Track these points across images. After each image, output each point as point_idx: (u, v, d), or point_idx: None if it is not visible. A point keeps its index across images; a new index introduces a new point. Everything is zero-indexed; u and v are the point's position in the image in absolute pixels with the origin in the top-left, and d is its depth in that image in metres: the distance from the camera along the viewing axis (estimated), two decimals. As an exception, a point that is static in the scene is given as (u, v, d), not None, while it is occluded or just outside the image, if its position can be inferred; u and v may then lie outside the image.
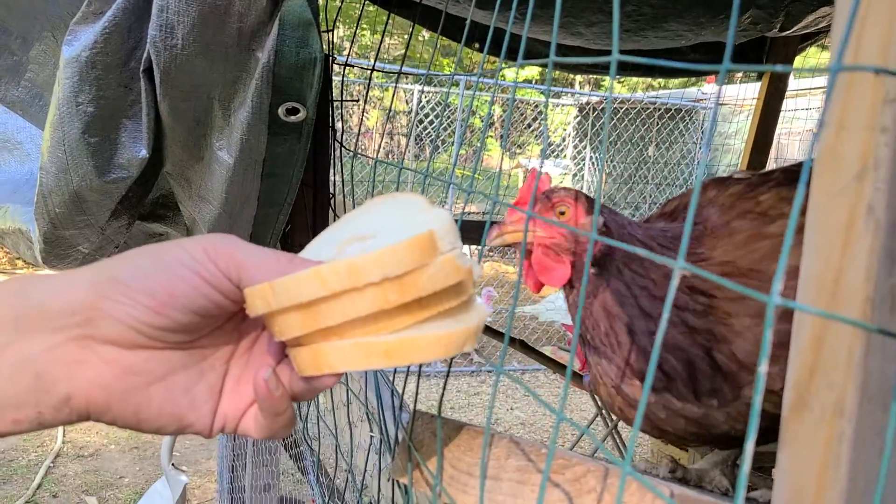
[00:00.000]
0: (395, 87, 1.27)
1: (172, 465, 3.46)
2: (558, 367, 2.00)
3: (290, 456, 3.34)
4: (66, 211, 1.12)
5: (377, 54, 1.15)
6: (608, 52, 2.67)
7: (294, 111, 1.02)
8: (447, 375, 0.63)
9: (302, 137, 1.07)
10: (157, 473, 3.92)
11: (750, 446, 0.39)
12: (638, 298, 0.74)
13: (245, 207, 1.15)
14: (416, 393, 0.72)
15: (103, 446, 4.43)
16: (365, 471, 1.09)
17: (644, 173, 6.65)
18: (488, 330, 2.00)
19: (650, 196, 6.84)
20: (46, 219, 1.15)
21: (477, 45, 2.90)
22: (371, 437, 1.07)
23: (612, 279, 0.76)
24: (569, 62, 0.48)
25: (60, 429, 4.51)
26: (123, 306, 0.49)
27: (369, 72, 1.20)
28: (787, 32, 2.69)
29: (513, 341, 1.97)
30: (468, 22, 0.62)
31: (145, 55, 0.95)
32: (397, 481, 0.91)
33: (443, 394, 0.60)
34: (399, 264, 0.47)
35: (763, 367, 0.38)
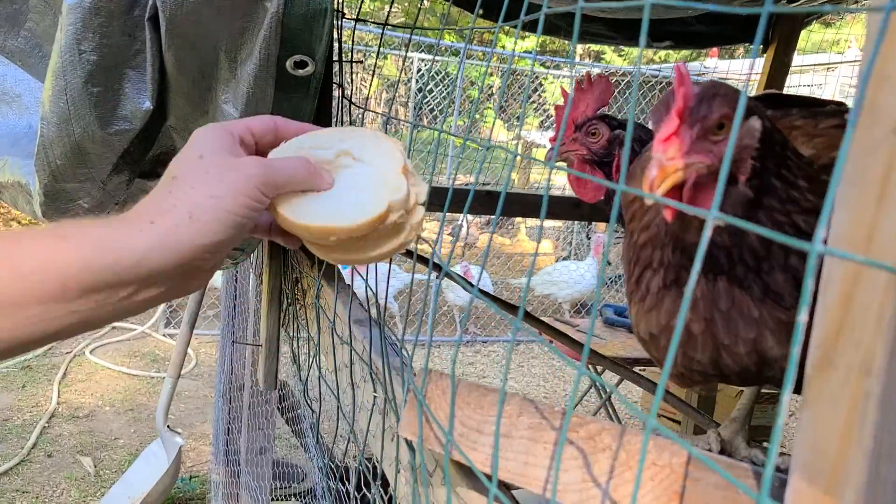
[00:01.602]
0: (406, 54, 1.24)
1: (168, 426, 3.47)
2: (560, 335, 2.00)
3: (286, 420, 3.36)
4: (67, 163, 1.10)
5: (388, 14, 1.12)
6: (621, 21, 2.62)
7: (302, 64, 1.00)
8: (461, 332, 0.62)
9: (309, 92, 1.04)
10: (152, 436, 3.93)
11: (786, 398, 0.38)
12: (792, 215, 0.69)
13: (249, 164, 1.14)
14: (427, 354, 0.71)
15: (98, 408, 4.44)
16: (367, 431, 1.09)
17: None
18: (487, 297, 1.99)
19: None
20: (47, 171, 1.13)
21: (482, 12, 2.86)
22: (375, 397, 1.07)
23: (765, 195, 0.69)
24: (598, 7, 0.46)
25: (55, 389, 4.51)
26: None
27: (382, 27, 1.17)
28: (795, 5, 2.66)
29: (511, 308, 1.97)
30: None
31: (151, 2, 0.93)
32: (404, 440, 0.90)
33: (456, 351, 0.59)
34: (361, 231, 0.67)
35: (803, 317, 0.37)
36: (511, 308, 1.93)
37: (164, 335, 5.73)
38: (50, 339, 0.55)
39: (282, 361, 2.08)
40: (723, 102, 0.63)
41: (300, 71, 1.01)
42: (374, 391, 1.07)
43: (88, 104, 1.01)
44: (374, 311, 1.06)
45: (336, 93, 1.24)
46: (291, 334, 1.73)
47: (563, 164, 1.47)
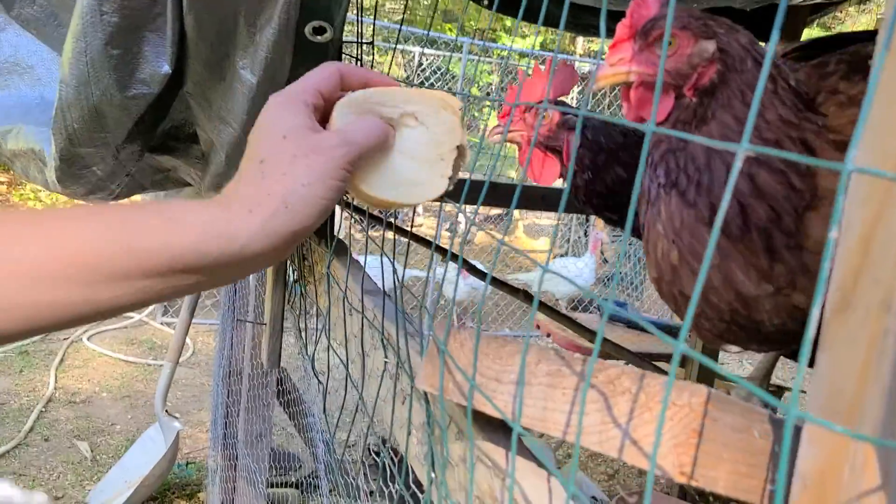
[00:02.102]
0: (395, 47, 1.25)
1: (166, 411, 3.48)
2: (570, 322, 2.02)
3: (282, 404, 3.36)
4: (85, 126, 1.11)
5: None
6: (622, 14, 2.63)
7: (321, 31, 1.01)
8: (487, 282, 0.64)
9: (327, 59, 1.05)
10: (148, 422, 3.94)
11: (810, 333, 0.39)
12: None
13: (264, 132, 1.14)
14: (452, 309, 0.72)
15: (95, 393, 4.44)
16: (377, 396, 1.10)
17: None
18: (496, 282, 2.01)
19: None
20: (64, 134, 1.14)
21: (486, 2, 2.86)
22: (385, 362, 1.08)
23: (720, 110, 0.71)
24: None
25: (52, 374, 4.51)
26: None
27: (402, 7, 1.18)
28: (801, 1, 2.67)
29: (525, 296, 1.98)
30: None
31: (173, -36, 0.94)
32: (418, 399, 0.91)
33: (482, 302, 0.60)
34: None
35: (834, 233, 0.38)
36: (522, 298, 1.94)
37: (161, 323, 5.73)
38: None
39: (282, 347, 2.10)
40: (676, 25, 0.72)
41: (318, 37, 1.02)
42: (385, 357, 1.08)
43: (108, 66, 1.02)
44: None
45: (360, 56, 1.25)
46: (297, 312, 1.74)
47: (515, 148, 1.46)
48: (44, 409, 4.12)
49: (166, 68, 1.04)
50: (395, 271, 1.07)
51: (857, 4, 2.84)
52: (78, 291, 0.56)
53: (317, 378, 1.30)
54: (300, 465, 3.77)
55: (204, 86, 1.12)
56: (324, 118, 0.68)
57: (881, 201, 0.47)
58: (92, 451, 3.81)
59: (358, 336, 1.21)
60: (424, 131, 0.69)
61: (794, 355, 0.89)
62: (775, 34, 0.42)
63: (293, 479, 3.66)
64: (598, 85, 0.76)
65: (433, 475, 0.84)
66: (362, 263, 1.28)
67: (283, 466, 3.63)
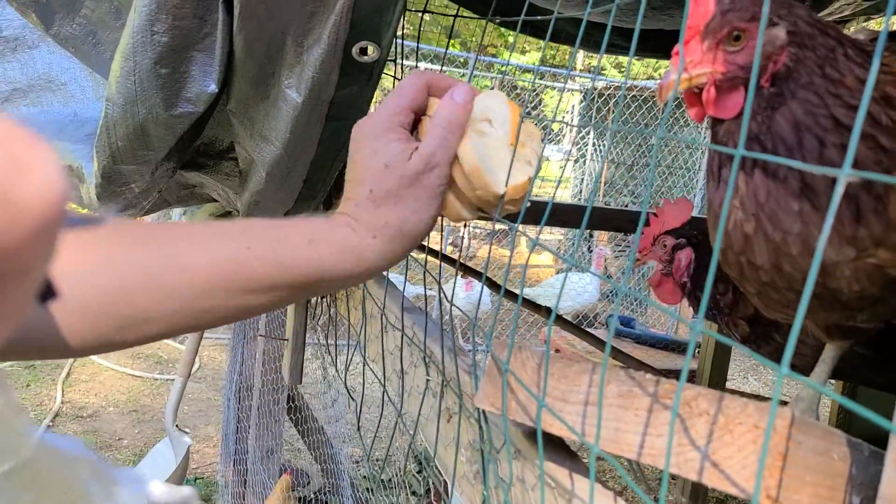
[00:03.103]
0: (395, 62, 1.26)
1: (176, 426, 3.46)
2: (586, 335, 2.02)
3: (292, 420, 3.35)
4: (129, 144, 1.11)
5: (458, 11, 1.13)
6: (631, 31, 2.65)
7: (367, 51, 1.02)
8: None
9: (372, 79, 1.06)
10: (156, 437, 3.92)
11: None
12: (831, 108, 0.68)
13: (306, 150, 1.15)
14: (513, 329, 0.72)
15: (102, 408, 4.42)
16: (419, 415, 1.10)
17: (647, 160, 6.67)
18: (511, 296, 2.00)
19: (653, 183, 6.85)
20: (108, 152, 1.14)
21: (498, 20, 2.88)
22: (427, 380, 1.08)
23: (801, 90, 0.70)
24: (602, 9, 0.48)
25: (59, 389, 4.49)
26: None
27: (453, 17, 1.19)
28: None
29: (539, 308, 1.98)
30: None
31: (226, -15, 0.95)
32: (467, 417, 0.92)
33: (515, 320, 0.61)
34: None
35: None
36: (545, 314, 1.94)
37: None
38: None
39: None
40: (736, 16, 0.69)
41: (364, 57, 1.03)
42: (427, 375, 1.08)
43: (156, 85, 1.03)
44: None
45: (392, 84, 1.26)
46: (321, 328, 1.74)
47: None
48: (51, 424, 4.10)
49: (213, 87, 1.05)
50: (441, 290, 1.08)
51: (865, 21, 2.87)
52: (233, 299, 0.65)
53: (350, 396, 1.30)
54: (309, 481, 3.76)
55: (248, 104, 1.12)
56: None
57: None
58: (100, 466, 3.79)
59: (394, 353, 1.21)
60: (497, 136, 0.72)
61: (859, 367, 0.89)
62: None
63: (302, 495, 3.64)
64: (669, 94, 0.70)
65: (485, 494, 0.84)
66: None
67: (293, 482, 3.61)
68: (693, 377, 3.66)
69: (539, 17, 0.82)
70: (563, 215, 3.52)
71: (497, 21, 2.86)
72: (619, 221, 3.56)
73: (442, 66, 1.23)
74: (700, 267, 1.39)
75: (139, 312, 0.62)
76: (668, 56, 3.18)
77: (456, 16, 1.56)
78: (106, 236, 0.63)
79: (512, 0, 2.18)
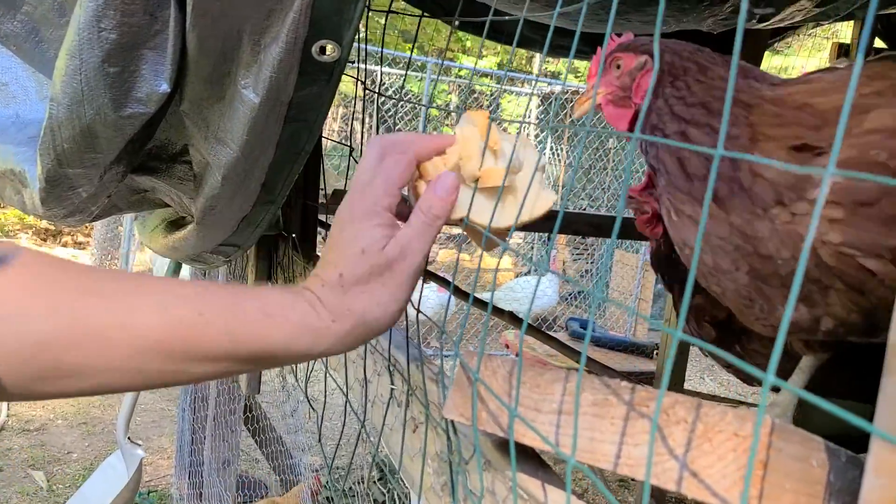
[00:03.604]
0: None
1: (128, 438, 3.35)
2: (547, 338, 2.01)
3: (249, 430, 3.28)
4: (75, 147, 1.06)
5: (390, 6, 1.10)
6: (589, 35, 2.65)
7: (327, 50, 0.99)
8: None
9: (332, 80, 1.03)
10: (107, 449, 3.81)
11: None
12: (673, 108, 0.81)
13: (264, 152, 1.11)
14: (483, 336, 0.70)
15: (49, 421, 4.28)
16: (383, 425, 1.07)
17: (605, 164, 6.73)
18: (478, 302, 1.99)
19: (610, 186, 6.93)
20: (52, 155, 1.08)
21: (456, 23, 2.87)
22: (392, 389, 1.05)
23: (657, 101, 0.83)
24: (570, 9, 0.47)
25: (4, 402, 4.33)
26: None
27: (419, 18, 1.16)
28: (763, 25, 2.74)
29: (501, 312, 1.97)
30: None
31: (178, -20, 0.90)
32: (434, 427, 0.89)
33: (484, 332, 0.58)
34: None
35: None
36: (508, 319, 1.92)
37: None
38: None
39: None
40: (619, 48, 0.88)
41: (325, 57, 1.00)
42: (392, 384, 1.05)
43: (104, 84, 0.98)
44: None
45: (356, 87, 1.23)
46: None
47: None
48: (-5, 439, 3.95)
49: (165, 87, 1.01)
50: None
51: (813, 28, 2.93)
52: (173, 365, 0.61)
53: (311, 406, 1.26)
54: (266, 492, 3.68)
55: (202, 105, 1.08)
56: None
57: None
58: (48, 480, 3.66)
59: (356, 362, 1.17)
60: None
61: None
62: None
63: (260, 506, 3.56)
64: (580, 111, 0.92)
65: (454, 507, 0.82)
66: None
67: (250, 493, 3.53)
68: (651, 379, 3.70)
69: (506, 18, 0.80)
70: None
71: (457, 25, 2.85)
72: (577, 225, 3.57)
73: (406, 71, 1.20)
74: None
75: (65, 366, 0.58)
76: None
77: (421, 16, 1.53)
78: (53, 281, 0.59)
79: (466, 3, 2.17)
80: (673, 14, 2.78)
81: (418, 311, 0.88)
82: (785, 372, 0.99)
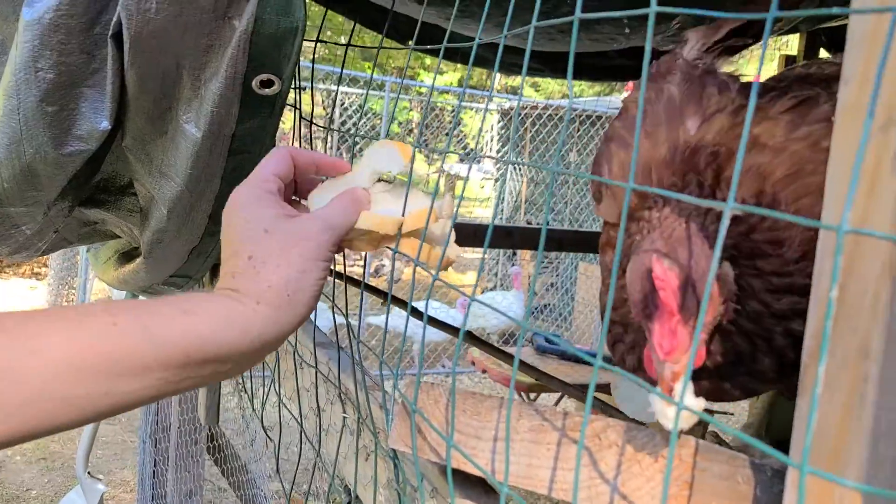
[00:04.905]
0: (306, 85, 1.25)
1: (88, 473, 3.28)
2: (507, 357, 2.02)
3: (213, 459, 3.24)
4: (16, 186, 1.05)
5: (352, 31, 1.13)
6: (542, 53, 2.67)
7: (268, 84, 1.00)
8: (425, 322, 0.63)
9: (274, 112, 1.04)
10: (67, 485, 3.72)
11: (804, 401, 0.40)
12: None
13: (209, 185, 1.11)
14: (420, 366, 0.71)
15: (7, 458, 4.16)
16: (337, 453, 1.07)
17: (566, 178, 6.81)
18: (435, 322, 2.00)
19: (571, 200, 7.01)
20: (-8, 194, 1.08)
21: (411, 42, 2.89)
22: (345, 418, 1.05)
23: None
24: (597, 17, 0.49)
25: (-42, 440, 4.20)
26: None
27: (345, 48, 1.18)
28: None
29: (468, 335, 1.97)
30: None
31: (115, 19, 0.91)
32: (386, 456, 0.89)
33: (456, 357, 0.60)
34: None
35: (834, 292, 0.39)
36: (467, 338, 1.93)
37: (77, 378, 5.44)
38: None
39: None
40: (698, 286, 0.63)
41: (266, 90, 1.00)
42: (344, 412, 1.05)
43: (42, 124, 0.98)
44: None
45: (292, 114, 1.24)
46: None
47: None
48: (-50, 479, 3.83)
49: (105, 124, 1.01)
50: (348, 324, 1.05)
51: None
52: (98, 385, 0.56)
53: (267, 436, 1.25)
54: (234, 521, 3.63)
55: (145, 140, 1.08)
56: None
57: (851, 252, 0.48)
58: (6, 520, 3.56)
59: (310, 390, 1.17)
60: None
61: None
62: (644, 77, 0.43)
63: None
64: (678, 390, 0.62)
65: (404, 535, 0.82)
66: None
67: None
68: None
69: (460, 45, 0.81)
70: (485, 235, 3.53)
71: (413, 48, 2.87)
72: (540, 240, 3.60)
73: (367, 90, 1.22)
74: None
75: None
76: (582, 76, 3.25)
77: (380, 47, 1.54)
78: None
79: (423, 25, 2.19)
80: (622, 32, 2.85)
81: (358, 339, 0.89)
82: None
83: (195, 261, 1.41)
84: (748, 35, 1.01)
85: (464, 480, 0.72)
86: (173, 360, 0.59)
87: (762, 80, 0.95)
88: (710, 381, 0.75)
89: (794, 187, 0.74)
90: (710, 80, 0.87)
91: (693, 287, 0.61)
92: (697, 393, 0.59)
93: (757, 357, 0.73)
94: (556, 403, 4.66)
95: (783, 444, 0.58)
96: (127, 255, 1.76)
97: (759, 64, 0.49)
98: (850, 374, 0.49)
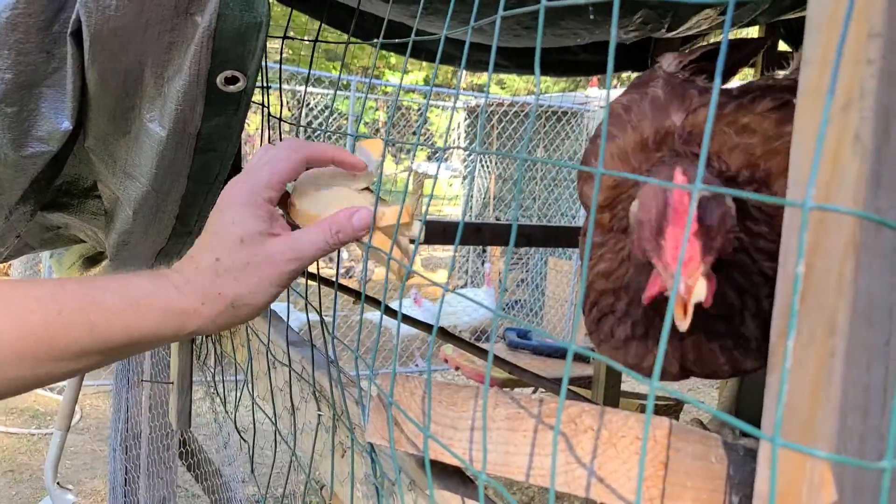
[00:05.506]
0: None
1: (58, 483, 3.22)
2: (480, 352, 2.03)
3: (185, 465, 3.20)
4: (-25, 189, 1.03)
5: (319, 29, 1.12)
6: (507, 49, 2.69)
7: (233, 80, 0.99)
8: (436, 324, 0.64)
9: (240, 109, 1.03)
10: (36, 497, 3.65)
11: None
12: None
13: (175, 185, 1.10)
14: (395, 358, 0.71)
15: (-27, 471, 4.06)
16: (313, 452, 1.06)
17: (533, 174, 6.85)
18: (409, 319, 2.00)
19: (539, 196, 7.04)
20: (-50, 199, 1.05)
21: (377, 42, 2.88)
22: (319, 415, 1.04)
23: None
24: (562, 4, 0.49)
25: (-79, 456, 4.09)
26: None
27: (313, 43, 1.17)
28: (673, 34, 2.85)
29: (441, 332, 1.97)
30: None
31: (74, 17, 0.89)
32: (363, 452, 0.89)
33: (430, 352, 0.60)
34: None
35: (801, 267, 0.40)
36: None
37: (44, 389, 5.33)
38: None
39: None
40: (715, 206, 0.65)
41: (231, 87, 0.99)
42: (318, 409, 1.05)
43: (1, 126, 0.95)
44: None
45: (257, 116, 1.23)
46: (207, 367, 1.66)
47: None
48: (-87, 495, 3.73)
49: (66, 125, 0.99)
50: (322, 321, 1.05)
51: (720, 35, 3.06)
52: (42, 367, 0.61)
53: (241, 437, 1.24)
54: (208, 526, 3.58)
55: (107, 140, 1.06)
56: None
57: (816, 230, 0.49)
58: (-27, 535, 3.47)
59: (284, 390, 1.17)
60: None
61: None
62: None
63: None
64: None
65: (383, 529, 0.82)
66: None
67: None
68: (590, 382, 3.75)
69: (427, 38, 0.81)
70: (455, 232, 3.54)
71: (381, 41, 2.86)
72: (509, 236, 3.62)
73: (336, 91, 1.22)
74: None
75: None
76: (547, 72, 3.27)
77: (347, 43, 1.53)
78: None
79: (389, 23, 2.18)
80: (585, 27, 2.86)
81: (333, 335, 0.88)
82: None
83: (163, 263, 1.39)
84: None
85: (441, 471, 0.72)
86: (110, 348, 0.64)
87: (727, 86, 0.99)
88: (696, 337, 0.75)
89: (779, 159, 0.76)
90: (691, 85, 0.91)
91: (708, 209, 0.64)
92: (684, 364, 0.60)
93: (745, 318, 0.74)
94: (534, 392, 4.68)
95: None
96: (92, 260, 1.72)
97: (722, 42, 0.50)
98: (817, 350, 0.50)
